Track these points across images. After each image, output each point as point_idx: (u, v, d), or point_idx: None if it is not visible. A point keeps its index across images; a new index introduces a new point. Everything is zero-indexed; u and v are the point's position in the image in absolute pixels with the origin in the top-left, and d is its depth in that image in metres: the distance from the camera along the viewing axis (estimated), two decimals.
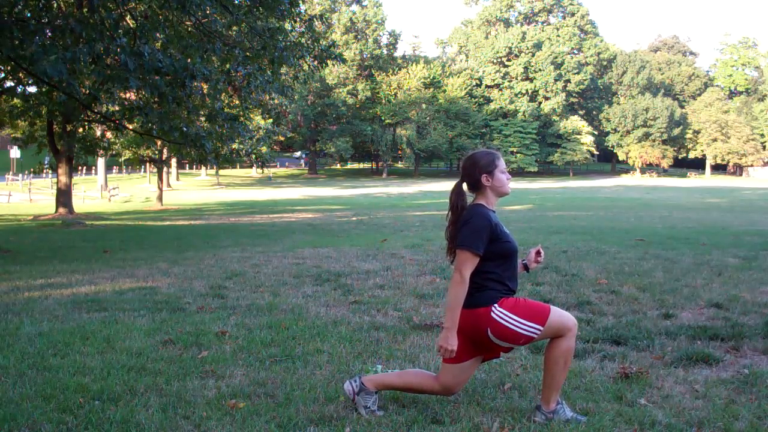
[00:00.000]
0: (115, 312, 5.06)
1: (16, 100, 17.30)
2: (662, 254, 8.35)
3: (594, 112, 79.08)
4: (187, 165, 63.15)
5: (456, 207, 3.00)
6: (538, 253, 3.20)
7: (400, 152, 70.12)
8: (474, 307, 2.89)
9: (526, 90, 72.19)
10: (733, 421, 2.88)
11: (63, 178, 20.69)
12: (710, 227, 13.86)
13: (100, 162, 40.59)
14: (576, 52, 77.70)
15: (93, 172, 48.95)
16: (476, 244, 2.84)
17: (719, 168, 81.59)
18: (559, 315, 2.94)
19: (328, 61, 12.24)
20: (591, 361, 3.78)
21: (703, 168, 79.96)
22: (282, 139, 56.47)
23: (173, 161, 43.98)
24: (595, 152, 76.00)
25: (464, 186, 3.04)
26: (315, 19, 12.46)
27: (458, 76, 71.22)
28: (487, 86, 73.05)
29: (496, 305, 2.88)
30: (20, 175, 43.32)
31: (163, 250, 9.88)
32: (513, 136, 69.18)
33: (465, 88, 70.15)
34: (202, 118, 12.32)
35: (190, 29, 10.82)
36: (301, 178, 63.77)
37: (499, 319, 2.86)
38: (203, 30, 10.22)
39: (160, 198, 28.10)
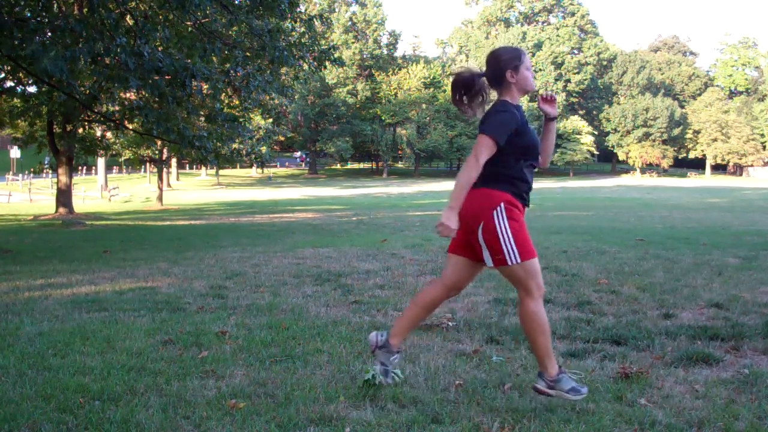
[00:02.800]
0: (115, 312, 5.06)
1: (16, 100, 17.30)
2: (662, 254, 8.35)
3: (594, 112, 79.10)
4: (187, 165, 63.15)
5: (467, 89, 2.99)
6: (543, 98, 3.14)
7: (400, 152, 70.14)
8: (483, 186, 2.86)
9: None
10: (733, 421, 2.88)
11: (63, 178, 20.69)
12: (710, 227, 13.86)
13: (100, 162, 40.61)
14: (576, 52, 77.72)
15: (93, 172, 48.94)
16: (499, 134, 2.81)
17: (719, 168, 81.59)
18: (536, 269, 2.93)
19: (327, 63, 12.26)
20: (591, 361, 3.78)
21: (703, 168, 79.96)
22: (282, 139, 56.51)
23: (173, 161, 43.98)
24: (595, 152, 75.99)
25: (483, 79, 3.01)
26: (315, 19, 12.47)
27: None
28: None
29: (502, 205, 2.85)
30: (20, 175, 43.32)
31: (163, 250, 9.88)
32: None
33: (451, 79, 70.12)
34: (202, 119, 12.32)
35: (190, 29, 10.83)
36: (301, 178, 63.77)
37: (496, 220, 2.84)
38: (203, 30, 10.23)
39: (160, 198, 28.10)
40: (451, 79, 3.10)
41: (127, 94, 12.32)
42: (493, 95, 3.09)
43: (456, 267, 3.09)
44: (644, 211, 21.19)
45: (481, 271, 3.15)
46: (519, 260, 2.86)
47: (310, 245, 10.00)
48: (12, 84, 14.13)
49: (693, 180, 67.79)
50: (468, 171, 2.80)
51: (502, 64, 2.94)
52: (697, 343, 4.16)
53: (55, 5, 10.27)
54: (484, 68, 3.07)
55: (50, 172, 28.27)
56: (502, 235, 2.84)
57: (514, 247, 2.84)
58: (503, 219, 2.85)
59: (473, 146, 2.86)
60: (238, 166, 60.26)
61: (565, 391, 2.94)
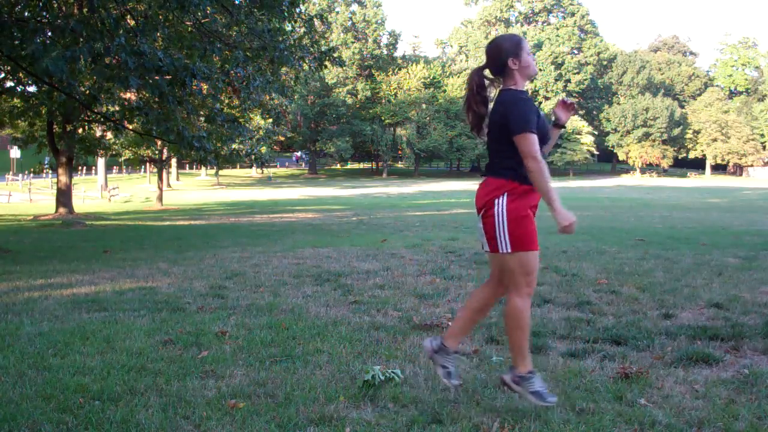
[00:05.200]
0: (115, 312, 5.06)
1: (16, 100, 17.29)
2: (662, 254, 8.35)
3: (594, 112, 79.12)
4: (187, 165, 63.17)
5: (475, 86, 2.98)
6: (563, 103, 3.13)
7: (400, 152, 70.14)
8: (490, 176, 2.90)
9: (526, 90, 72.25)
10: (733, 421, 2.88)
11: (63, 178, 20.69)
12: (710, 227, 13.86)
13: (100, 162, 40.61)
14: (576, 52, 77.74)
15: (93, 172, 48.94)
16: (531, 123, 2.80)
17: (719, 168, 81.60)
18: (530, 266, 2.90)
19: (327, 63, 12.25)
20: (591, 361, 3.78)
21: (703, 168, 79.97)
22: (282, 139, 56.51)
23: (173, 161, 43.98)
24: (595, 152, 76.00)
25: (487, 71, 3.00)
26: (315, 19, 12.47)
27: (458, 76, 71.23)
28: None
29: (505, 195, 2.85)
30: (20, 175, 43.32)
31: (163, 250, 9.88)
32: None
33: (465, 88, 70.17)
34: (202, 119, 12.32)
35: (190, 29, 10.83)
36: (301, 178, 63.77)
37: (495, 207, 2.85)
38: (203, 30, 10.22)
39: (160, 198, 28.10)
40: (468, 80, 3.07)
41: (127, 94, 12.31)
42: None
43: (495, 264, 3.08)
44: (644, 211, 21.20)
45: None
46: (509, 250, 2.86)
47: (310, 245, 10.00)
48: (12, 84, 14.13)
49: (693, 180, 67.80)
50: (538, 175, 2.77)
51: (504, 53, 2.94)
52: (697, 343, 4.16)
53: (55, 5, 10.27)
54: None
55: (50, 172, 28.27)
56: (498, 222, 2.85)
57: (507, 236, 2.85)
58: (502, 206, 2.86)
59: (522, 150, 2.80)
60: (238, 166, 60.31)
61: (529, 392, 2.93)
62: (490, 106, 3.05)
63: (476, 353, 3.90)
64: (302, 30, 12.47)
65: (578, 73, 73.72)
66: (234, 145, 18.81)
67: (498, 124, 2.91)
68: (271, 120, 36.91)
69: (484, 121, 3.05)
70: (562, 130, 3.19)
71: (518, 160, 2.87)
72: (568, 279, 6.43)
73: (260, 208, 25.41)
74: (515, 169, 2.87)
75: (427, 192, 41.18)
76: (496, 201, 2.87)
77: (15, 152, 44.18)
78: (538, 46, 72.61)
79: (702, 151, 76.38)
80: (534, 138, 2.79)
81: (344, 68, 58.90)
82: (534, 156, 2.77)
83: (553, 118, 3.20)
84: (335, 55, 12.35)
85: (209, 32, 10.13)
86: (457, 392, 3.21)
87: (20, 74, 10.87)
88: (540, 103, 72.13)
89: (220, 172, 57.24)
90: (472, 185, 51.15)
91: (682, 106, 79.87)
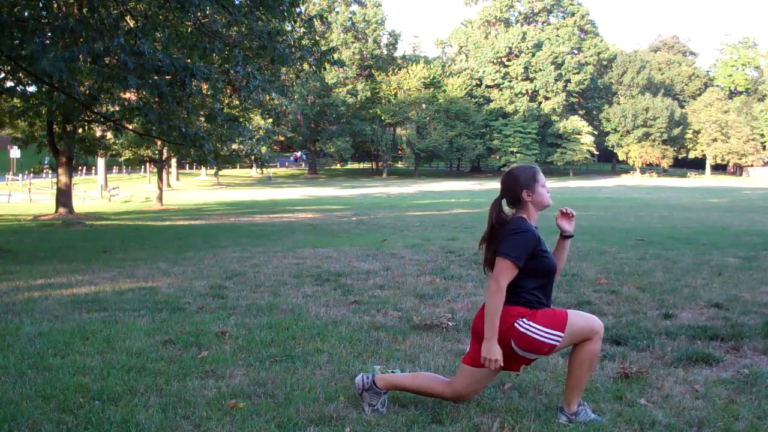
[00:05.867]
0: (115, 312, 5.06)
1: (16, 100, 17.29)
2: (662, 254, 8.35)
3: (594, 112, 79.09)
4: (187, 165, 63.06)
5: (495, 222, 3.01)
6: (562, 213, 3.16)
7: (400, 152, 70.12)
8: (512, 304, 2.89)
9: (526, 90, 72.21)
10: (733, 421, 2.88)
11: (63, 178, 20.69)
12: (710, 227, 13.86)
13: (100, 162, 40.60)
14: (576, 52, 77.70)
15: (93, 172, 48.94)
16: (519, 255, 2.84)
17: (719, 168, 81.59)
18: (581, 318, 2.93)
19: (327, 64, 12.24)
20: None
21: (703, 168, 79.95)
22: (282, 139, 56.51)
23: (173, 161, 43.96)
24: (595, 152, 75.97)
25: (503, 202, 3.04)
26: (315, 19, 12.46)
27: (458, 76, 71.21)
28: (487, 86, 73.05)
29: (524, 317, 2.87)
30: (20, 175, 43.31)
31: (163, 250, 9.88)
32: (513, 136, 69.16)
33: (465, 88, 70.13)
34: (202, 119, 12.31)
35: (190, 29, 10.82)
36: (301, 178, 63.77)
37: (521, 329, 2.86)
38: (203, 30, 10.22)
39: (160, 198, 28.09)
40: (490, 211, 3.08)
41: (127, 94, 12.31)
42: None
43: (476, 379, 3.00)
44: (644, 211, 21.20)
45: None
46: (562, 334, 2.86)
47: (310, 245, 10.00)
48: (12, 84, 14.12)
49: (693, 180, 67.80)
50: (493, 299, 2.83)
51: (519, 186, 2.99)
52: (697, 343, 4.16)
53: (55, 5, 10.27)
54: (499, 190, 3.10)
55: (50, 172, 28.27)
56: (536, 334, 2.86)
57: (550, 330, 2.86)
58: (527, 323, 2.87)
59: (494, 271, 2.86)
60: (238, 166, 60.31)
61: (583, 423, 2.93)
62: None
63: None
64: (302, 30, 12.46)
65: (578, 73, 73.64)
66: (234, 145, 18.82)
67: None
68: (271, 120, 36.91)
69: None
70: (570, 238, 3.21)
71: (532, 294, 2.91)
72: (568, 279, 6.44)
73: (260, 208, 25.41)
74: (527, 299, 2.91)
75: (427, 192, 41.19)
76: (518, 326, 2.87)
77: (15, 152, 44.16)
78: (538, 46, 72.55)
79: (702, 151, 76.35)
80: (512, 270, 2.83)
81: (344, 68, 58.90)
82: (499, 282, 2.82)
83: (560, 231, 3.22)
84: (335, 56, 12.33)
85: (209, 32, 10.12)
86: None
87: (20, 74, 10.85)
88: (540, 103, 72.09)
89: (220, 172, 57.18)
90: (472, 185, 51.14)
91: (682, 106, 79.83)
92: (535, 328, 2.86)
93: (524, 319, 2.87)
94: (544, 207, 3.04)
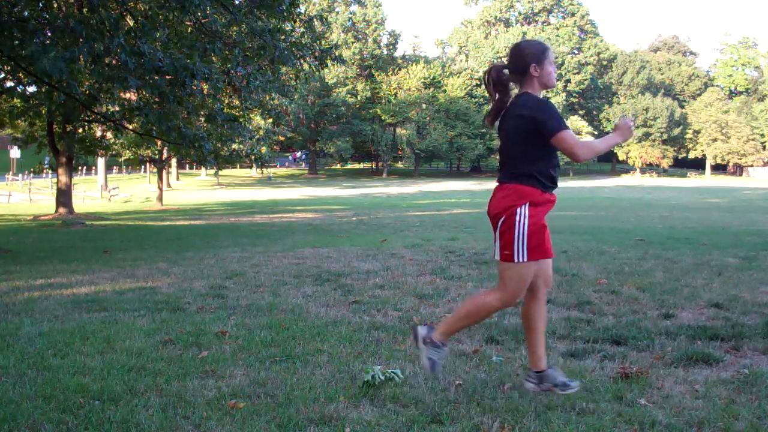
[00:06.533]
0: (115, 312, 5.05)
1: (16, 100, 17.28)
2: (662, 254, 8.35)
3: (594, 112, 79.10)
4: (187, 165, 63.13)
5: (495, 84, 2.97)
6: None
7: (400, 152, 70.12)
8: (512, 182, 2.88)
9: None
10: (733, 421, 2.88)
11: (63, 178, 20.69)
12: (710, 227, 13.86)
13: (100, 162, 40.61)
14: (576, 52, 77.72)
15: (93, 172, 48.94)
16: (563, 122, 2.83)
17: (719, 168, 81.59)
18: (529, 278, 2.92)
19: (328, 61, 12.24)
20: (591, 361, 3.78)
21: (703, 168, 79.96)
22: (282, 139, 56.50)
23: (173, 161, 43.97)
24: None
25: (506, 71, 3.00)
26: (315, 20, 12.47)
27: (458, 76, 71.21)
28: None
29: (527, 205, 2.85)
30: (20, 175, 43.31)
31: (163, 250, 9.88)
32: None
33: (465, 88, 70.14)
34: (202, 119, 12.31)
35: (190, 29, 10.82)
36: (301, 178, 63.76)
37: (518, 217, 2.84)
38: (203, 30, 10.22)
39: (160, 198, 28.10)
40: (484, 75, 3.07)
41: (127, 95, 12.31)
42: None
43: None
44: (644, 211, 21.19)
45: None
46: (526, 259, 2.87)
47: (310, 245, 10.00)
48: (12, 84, 14.12)
49: (693, 180, 67.79)
50: (593, 151, 2.87)
51: (527, 58, 2.93)
52: (697, 343, 4.16)
53: (55, 5, 10.27)
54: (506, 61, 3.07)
55: (50, 172, 28.26)
56: (519, 232, 2.86)
57: (526, 246, 2.85)
58: (524, 216, 2.86)
59: (565, 147, 2.84)
60: (238, 166, 60.33)
61: (427, 356, 2.96)
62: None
63: (476, 353, 3.90)
64: (302, 30, 12.47)
65: (578, 73, 73.69)
66: (234, 145, 18.81)
67: (521, 128, 2.90)
68: (271, 120, 36.91)
69: (499, 116, 3.05)
70: None
71: (540, 165, 2.88)
72: (568, 279, 6.43)
73: (260, 208, 25.41)
74: (537, 177, 2.88)
75: (427, 192, 41.18)
76: (518, 210, 2.86)
77: (15, 152, 44.18)
78: None
79: (702, 151, 76.37)
80: (571, 132, 2.83)
81: (344, 68, 58.92)
82: (578, 146, 2.83)
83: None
84: (336, 53, 12.33)
85: (209, 32, 10.12)
86: (456, 392, 3.21)
87: (20, 74, 10.85)
88: None
89: (220, 172, 57.21)
90: (472, 185, 51.12)
91: (682, 106, 79.84)
92: (524, 230, 2.83)
93: (527, 212, 2.84)
94: (549, 86, 2.99)
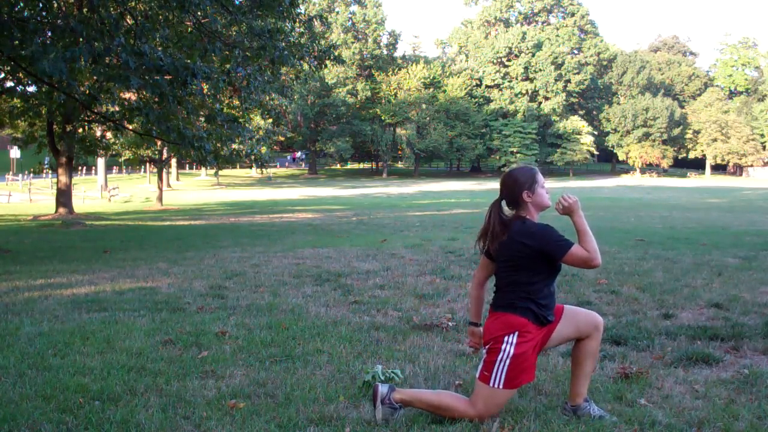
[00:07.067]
0: (115, 312, 5.06)
1: (16, 100, 17.28)
2: (662, 254, 8.35)
3: (594, 112, 79.09)
4: (187, 165, 63.12)
5: (496, 223, 3.02)
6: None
7: (400, 152, 70.11)
8: (507, 312, 2.91)
9: (526, 90, 72.20)
10: (733, 421, 2.88)
11: (63, 178, 20.68)
12: (710, 227, 13.86)
13: (100, 162, 40.58)
14: (576, 52, 77.69)
15: (93, 172, 48.94)
16: (568, 240, 2.91)
17: (719, 168, 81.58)
18: (504, 402, 2.91)
19: (327, 62, 12.24)
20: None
21: (703, 168, 79.96)
22: (282, 139, 56.50)
23: (173, 161, 43.97)
24: (595, 152, 75.96)
25: (503, 203, 3.06)
26: (315, 20, 12.47)
27: (458, 76, 71.20)
28: (487, 86, 73.04)
29: (516, 335, 2.87)
30: (20, 175, 43.30)
31: (163, 250, 9.88)
32: (513, 136, 69.15)
33: (465, 88, 70.14)
34: (202, 119, 12.31)
35: (190, 29, 10.82)
36: (301, 178, 63.76)
37: (504, 345, 2.87)
38: (203, 30, 10.22)
39: (160, 198, 28.09)
40: (488, 219, 3.08)
41: (127, 94, 12.30)
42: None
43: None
44: (644, 211, 21.20)
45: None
46: (501, 387, 2.86)
47: (310, 245, 10.00)
48: (12, 84, 14.12)
49: (693, 180, 67.78)
50: (593, 247, 2.96)
51: (519, 187, 3.01)
52: (697, 343, 4.16)
53: (55, 5, 10.26)
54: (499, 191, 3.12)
55: (50, 172, 28.26)
56: (500, 360, 2.87)
57: (503, 375, 2.86)
58: (511, 346, 2.88)
59: (579, 262, 2.91)
60: (238, 166, 60.30)
61: (382, 417, 2.89)
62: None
63: (476, 353, 3.90)
64: (301, 29, 12.47)
65: (578, 73, 73.64)
66: (234, 146, 18.78)
67: (521, 254, 2.94)
68: (271, 120, 36.91)
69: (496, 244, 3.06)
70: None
71: (537, 295, 2.92)
72: (568, 279, 6.44)
73: (260, 208, 25.41)
74: (532, 310, 2.91)
75: (427, 192, 41.18)
76: (506, 338, 2.89)
77: (15, 152, 44.17)
78: (538, 46, 72.56)
79: (702, 151, 76.35)
80: (578, 249, 2.91)
81: (344, 68, 58.91)
82: (592, 258, 2.91)
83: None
84: (336, 53, 12.33)
85: (209, 32, 10.12)
86: (456, 392, 3.20)
87: (20, 74, 10.86)
88: (540, 103, 72.09)
89: (220, 172, 57.20)
90: (472, 185, 51.13)
91: (682, 106, 79.82)
92: (508, 357, 2.85)
93: (515, 340, 2.86)
94: (543, 208, 3.06)
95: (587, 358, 3.00)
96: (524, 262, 2.94)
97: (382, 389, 2.91)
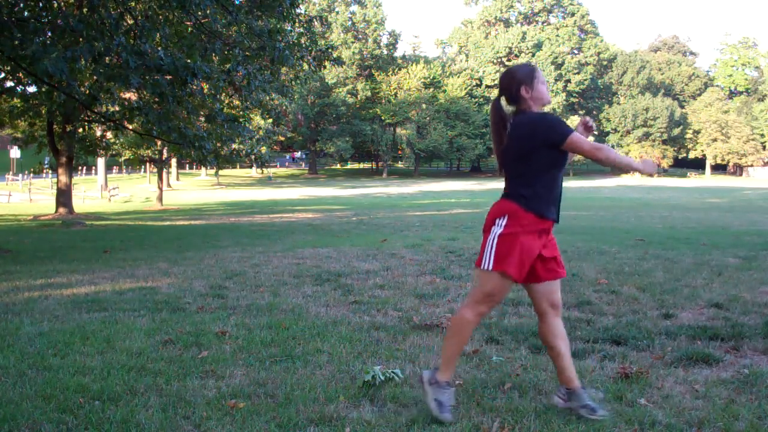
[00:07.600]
0: (115, 312, 5.05)
1: (16, 100, 17.29)
2: (662, 254, 8.35)
3: (594, 112, 79.11)
4: (187, 165, 63.15)
5: (498, 122, 3.04)
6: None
7: (400, 152, 70.13)
8: (504, 198, 2.97)
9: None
10: (733, 421, 2.88)
11: (63, 178, 20.69)
12: (710, 227, 13.86)
13: (100, 162, 40.61)
14: (576, 52, 77.72)
15: (93, 172, 48.95)
16: (569, 127, 2.88)
17: (719, 168, 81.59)
18: (499, 290, 2.95)
19: (326, 63, 12.25)
20: (591, 361, 3.78)
21: (703, 168, 79.97)
22: (282, 139, 56.50)
23: (173, 161, 43.97)
24: None
25: (503, 100, 3.05)
26: (314, 20, 12.47)
27: (458, 76, 71.23)
28: (487, 86, 73.07)
29: (506, 217, 2.91)
30: (20, 175, 43.31)
31: (163, 250, 9.88)
32: None
33: (465, 88, 70.16)
34: (202, 119, 12.31)
35: (190, 29, 10.83)
36: (301, 178, 63.77)
37: (493, 227, 2.94)
38: (203, 30, 10.22)
39: (160, 198, 28.10)
40: (491, 115, 3.12)
41: (127, 94, 12.31)
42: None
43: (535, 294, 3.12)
44: (644, 211, 21.19)
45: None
46: (490, 267, 2.89)
47: (310, 245, 10.00)
48: (12, 84, 14.13)
49: (693, 180, 67.80)
50: (609, 156, 2.91)
51: (517, 82, 2.99)
52: (697, 343, 4.16)
53: (55, 5, 10.26)
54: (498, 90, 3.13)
55: (50, 172, 28.29)
56: (490, 239, 2.94)
57: (492, 253, 2.90)
58: (500, 226, 2.93)
59: (580, 151, 2.89)
60: (238, 166, 60.32)
61: (433, 398, 2.91)
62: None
63: (476, 353, 3.90)
64: (300, 30, 12.47)
65: (578, 73, 73.70)
66: (234, 145, 18.79)
67: (519, 145, 2.93)
68: (271, 120, 36.90)
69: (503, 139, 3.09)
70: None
71: (532, 186, 2.92)
72: (568, 279, 6.43)
73: (260, 208, 25.41)
74: (526, 197, 2.92)
75: (427, 192, 41.18)
76: (497, 221, 2.95)
77: (15, 152, 44.19)
78: (538, 46, 72.60)
79: (702, 151, 76.37)
80: (580, 136, 2.87)
81: (344, 68, 58.92)
82: (593, 148, 2.88)
83: None
84: (334, 54, 12.34)
85: (209, 32, 10.12)
86: (456, 392, 3.20)
87: (20, 74, 10.86)
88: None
89: (220, 172, 57.23)
90: (472, 185, 51.13)
91: (682, 106, 79.85)
92: (495, 237, 2.90)
93: (505, 220, 2.91)
94: (543, 104, 3.03)
95: (554, 336, 3.04)
96: (526, 152, 2.92)
97: (426, 374, 3.00)
